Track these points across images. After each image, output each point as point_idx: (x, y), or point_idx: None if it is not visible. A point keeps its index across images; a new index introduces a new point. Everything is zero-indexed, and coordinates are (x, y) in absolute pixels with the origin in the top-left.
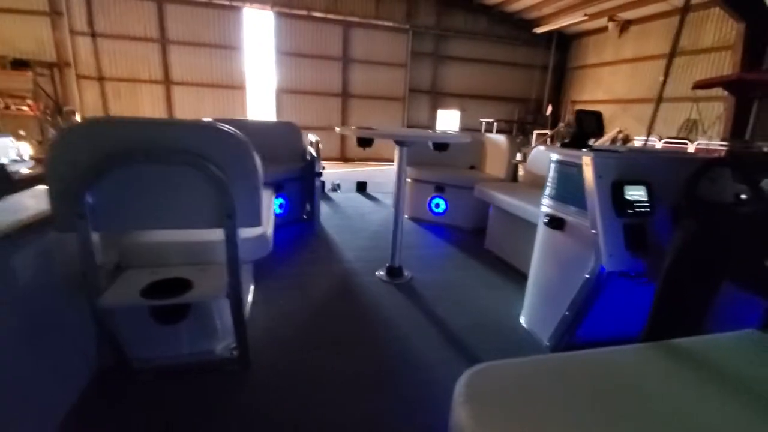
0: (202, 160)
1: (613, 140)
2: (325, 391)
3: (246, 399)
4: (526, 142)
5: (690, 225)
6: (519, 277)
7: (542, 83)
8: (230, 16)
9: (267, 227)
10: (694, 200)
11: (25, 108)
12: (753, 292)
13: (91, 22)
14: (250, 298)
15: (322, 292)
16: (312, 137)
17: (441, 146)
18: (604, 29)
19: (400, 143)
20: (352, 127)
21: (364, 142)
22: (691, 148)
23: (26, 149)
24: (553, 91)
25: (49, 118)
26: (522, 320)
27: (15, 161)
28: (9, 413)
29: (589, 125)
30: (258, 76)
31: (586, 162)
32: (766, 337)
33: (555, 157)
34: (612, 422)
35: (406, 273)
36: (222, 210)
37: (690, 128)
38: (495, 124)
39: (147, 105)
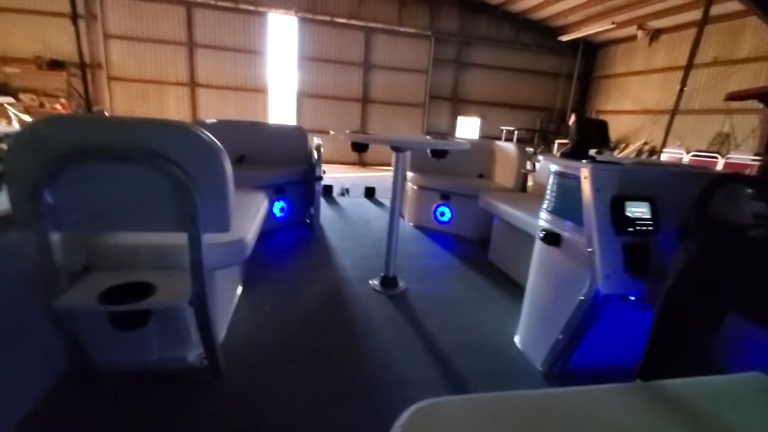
0: (164, 162)
1: (639, 152)
2: (294, 403)
3: (213, 409)
4: (548, 152)
5: (695, 245)
6: (520, 292)
7: (566, 92)
8: (255, 21)
9: (246, 233)
10: (704, 218)
11: (58, 106)
12: (762, 326)
13: (123, 26)
14: (235, 302)
15: (311, 299)
16: (316, 140)
17: (439, 153)
18: (632, 38)
19: (396, 149)
20: (347, 131)
21: (359, 147)
22: (720, 162)
23: None
24: (578, 100)
25: None
26: (516, 341)
27: None
28: None
29: (591, 135)
30: (280, 80)
31: (584, 174)
32: None
33: (554, 168)
34: None
35: (400, 283)
36: (185, 214)
37: (722, 142)
38: (516, 132)
39: (173, 106)
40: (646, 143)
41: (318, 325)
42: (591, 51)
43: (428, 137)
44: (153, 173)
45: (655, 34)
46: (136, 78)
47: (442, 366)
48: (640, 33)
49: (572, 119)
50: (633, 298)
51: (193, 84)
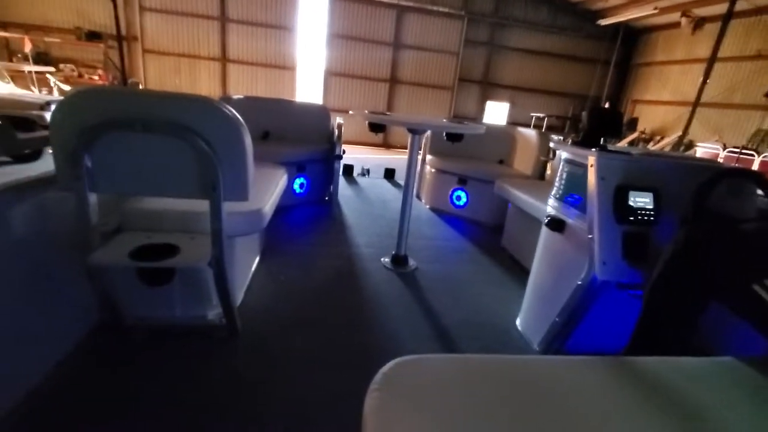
0: (188, 133)
1: (674, 146)
2: (302, 365)
3: (229, 363)
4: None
5: (684, 234)
6: (528, 278)
7: (603, 79)
8: None
9: (264, 204)
10: (701, 210)
11: (96, 77)
12: (741, 316)
13: None
14: (252, 269)
15: (324, 272)
16: (338, 119)
17: (455, 137)
18: (676, 25)
19: (411, 131)
20: (366, 111)
21: (377, 127)
22: (756, 161)
23: None
24: (614, 87)
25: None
26: (517, 323)
27: None
28: (2, 352)
29: (603, 124)
30: (308, 58)
31: (590, 162)
32: (742, 366)
33: (564, 155)
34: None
35: (411, 262)
36: (207, 182)
37: (761, 139)
38: (546, 119)
39: (204, 81)
40: (682, 136)
41: (329, 296)
42: (631, 37)
43: (444, 120)
44: (179, 144)
45: (699, 23)
46: (170, 51)
47: (443, 340)
48: (683, 20)
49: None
50: (628, 286)
51: (224, 59)
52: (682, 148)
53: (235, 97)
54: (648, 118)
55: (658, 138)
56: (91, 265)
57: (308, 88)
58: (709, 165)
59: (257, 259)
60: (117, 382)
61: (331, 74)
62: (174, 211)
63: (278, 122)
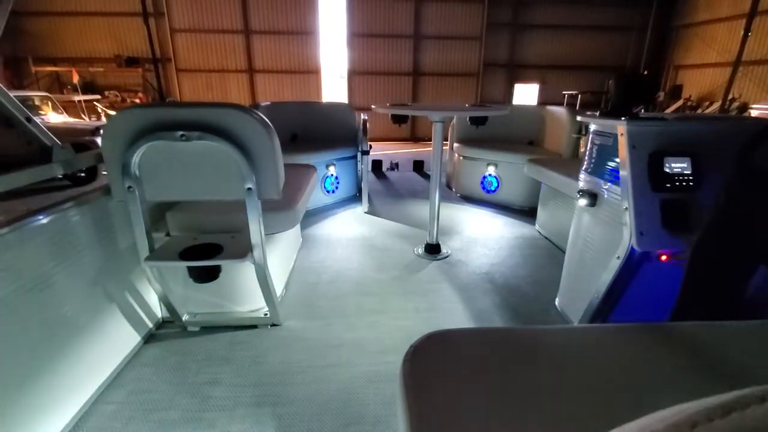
0: (224, 138)
1: (727, 109)
2: (339, 352)
3: (274, 352)
4: None
5: (727, 195)
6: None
7: (639, 47)
8: (305, 0)
9: (297, 203)
10: (746, 170)
11: (137, 100)
12: None
13: (187, 20)
14: (292, 264)
15: (359, 264)
16: (363, 116)
17: (479, 121)
18: None
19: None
20: (387, 104)
21: (399, 118)
22: None
23: None
24: (653, 55)
25: None
26: (556, 302)
27: None
28: (81, 346)
29: (632, 91)
30: (331, 59)
31: (620, 131)
32: None
33: (592, 127)
34: (550, 399)
35: (444, 250)
36: (244, 183)
37: None
38: (579, 96)
39: (234, 93)
40: (734, 99)
41: (363, 286)
42: None
43: (467, 105)
44: (215, 151)
45: None
46: (201, 68)
47: (479, 321)
48: None
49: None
50: (671, 255)
51: (251, 70)
52: (734, 113)
53: (263, 103)
54: (694, 84)
55: (706, 104)
56: (148, 266)
57: (333, 89)
58: (753, 122)
59: (295, 256)
60: (176, 365)
61: (354, 74)
62: (214, 213)
63: (305, 124)
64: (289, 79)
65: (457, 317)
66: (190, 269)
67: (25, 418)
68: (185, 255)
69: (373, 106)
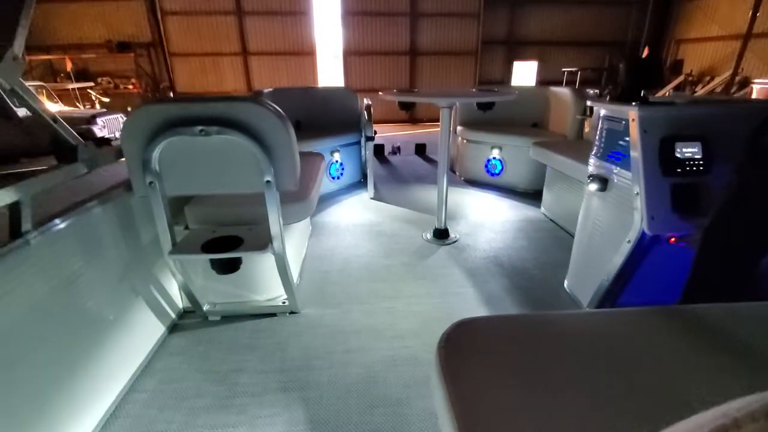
0: (245, 133)
1: (727, 85)
2: (356, 336)
3: (294, 339)
4: (616, 92)
5: (739, 178)
6: (572, 242)
7: (640, 21)
8: None
9: (310, 193)
10: (758, 153)
11: (130, 86)
12: None
13: (177, 1)
14: (304, 253)
15: (369, 251)
16: (365, 101)
17: (486, 106)
18: None
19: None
20: (394, 91)
21: (406, 104)
22: None
23: None
24: (653, 29)
25: (150, 95)
26: (565, 284)
27: None
28: (113, 338)
29: (642, 75)
30: (326, 40)
31: (631, 116)
32: None
33: (602, 112)
34: (579, 383)
35: (452, 235)
36: (262, 175)
37: None
38: (579, 73)
39: (229, 78)
40: (734, 74)
41: (374, 272)
42: None
43: (474, 89)
44: (233, 145)
45: None
46: (194, 52)
47: (489, 307)
48: None
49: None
50: (681, 239)
51: (245, 53)
52: (734, 88)
53: (265, 90)
54: (694, 59)
55: (707, 79)
56: (172, 259)
57: (329, 71)
58: (764, 105)
59: (306, 244)
60: (202, 354)
61: (350, 54)
62: (231, 206)
63: (308, 111)
64: (284, 61)
65: (469, 302)
66: (213, 261)
67: (69, 407)
68: (207, 248)
69: (380, 93)
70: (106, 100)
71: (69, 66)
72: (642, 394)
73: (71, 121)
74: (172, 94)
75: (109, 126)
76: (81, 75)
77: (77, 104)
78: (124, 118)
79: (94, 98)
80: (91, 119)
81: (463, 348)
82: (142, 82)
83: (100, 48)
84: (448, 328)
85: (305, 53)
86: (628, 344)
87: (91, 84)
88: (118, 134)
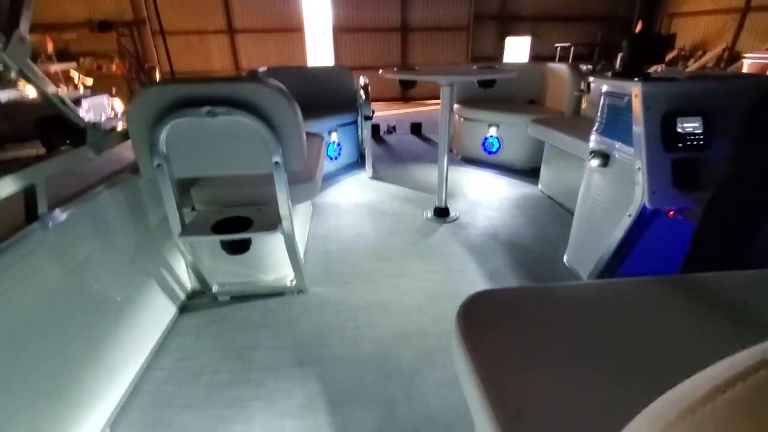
0: (253, 113)
1: (718, 60)
2: (364, 312)
3: (304, 317)
4: (609, 68)
5: (741, 152)
6: (570, 218)
7: None
8: None
9: (314, 173)
10: (758, 128)
11: (114, 67)
12: None
13: None
14: (307, 234)
15: (371, 230)
16: (362, 80)
17: (487, 84)
18: None
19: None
20: (395, 69)
21: (408, 82)
22: None
23: (119, 105)
24: (646, 3)
25: (134, 76)
26: (565, 259)
27: (110, 118)
28: (128, 319)
29: (644, 51)
30: (315, 16)
31: (635, 92)
32: None
33: (604, 88)
34: (593, 349)
35: (453, 213)
36: (270, 156)
37: None
38: (572, 49)
39: (216, 57)
40: (726, 48)
41: (378, 251)
42: None
43: (475, 67)
44: (241, 125)
45: None
46: (178, 30)
47: (494, 280)
48: None
49: (638, 27)
50: (680, 212)
51: (231, 31)
52: (723, 63)
53: (261, 69)
54: (687, 33)
55: (699, 53)
56: (182, 241)
57: (319, 48)
58: (761, 81)
59: (309, 224)
60: (214, 333)
61: (340, 31)
62: (238, 186)
63: (303, 90)
64: (272, 38)
65: (473, 278)
66: (223, 242)
67: (89, 387)
68: (216, 228)
69: (380, 71)
70: (90, 81)
71: (50, 47)
72: (654, 356)
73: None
74: (158, 74)
75: (94, 109)
76: (61, 55)
77: (61, 86)
78: (109, 100)
79: (77, 80)
80: (76, 102)
81: (481, 317)
82: (126, 63)
83: (80, 27)
84: (465, 299)
85: (294, 30)
86: (637, 310)
87: (74, 64)
88: (102, 117)
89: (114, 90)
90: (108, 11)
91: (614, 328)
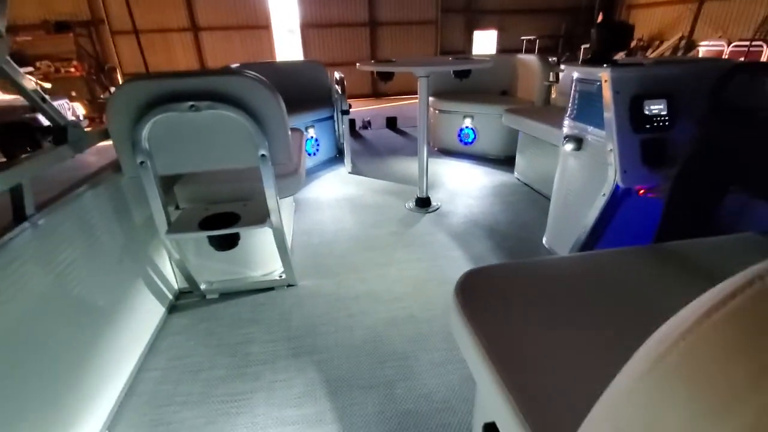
0: (238, 107)
1: (675, 49)
2: (355, 302)
3: (295, 309)
4: (573, 59)
5: (702, 130)
6: (546, 203)
7: None
8: None
9: (299, 167)
10: (718, 107)
11: (72, 69)
12: (760, 198)
13: None
14: (291, 228)
15: (355, 222)
16: (337, 74)
17: (462, 74)
18: None
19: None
20: (372, 62)
21: (385, 75)
22: (766, 52)
23: (80, 109)
24: None
25: (94, 77)
26: (544, 240)
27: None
28: (117, 321)
29: (610, 39)
30: (282, 12)
31: (604, 78)
32: (762, 239)
33: (575, 75)
34: (589, 317)
35: (434, 203)
36: (256, 149)
37: None
38: (537, 41)
39: (180, 55)
40: (682, 38)
41: (364, 242)
42: None
43: (450, 58)
44: (225, 120)
45: None
46: (140, 29)
47: (479, 265)
48: None
49: (600, 18)
50: (650, 189)
51: (195, 28)
52: (680, 52)
53: (234, 65)
54: (644, 24)
55: (657, 43)
56: (169, 239)
57: (286, 45)
58: (720, 64)
59: (293, 220)
60: (205, 331)
61: (307, 26)
62: (222, 183)
63: (277, 86)
64: (238, 36)
65: (458, 263)
66: (211, 239)
67: (85, 389)
68: (203, 225)
69: (358, 65)
70: (48, 85)
71: None
72: (641, 313)
73: (14, 110)
74: (119, 75)
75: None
76: (16, 60)
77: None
78: (70, 104)
79: (34, 84)
80: (32, 110)
81: (477, 291)
82: (85, 64)
83: (36, 29)
84: (460, 277)
85: (260, 27)
86: (620, 275)
87: (30, 69)
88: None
89: (74, 93)
90: (64, 11)
91: (601, 293)
